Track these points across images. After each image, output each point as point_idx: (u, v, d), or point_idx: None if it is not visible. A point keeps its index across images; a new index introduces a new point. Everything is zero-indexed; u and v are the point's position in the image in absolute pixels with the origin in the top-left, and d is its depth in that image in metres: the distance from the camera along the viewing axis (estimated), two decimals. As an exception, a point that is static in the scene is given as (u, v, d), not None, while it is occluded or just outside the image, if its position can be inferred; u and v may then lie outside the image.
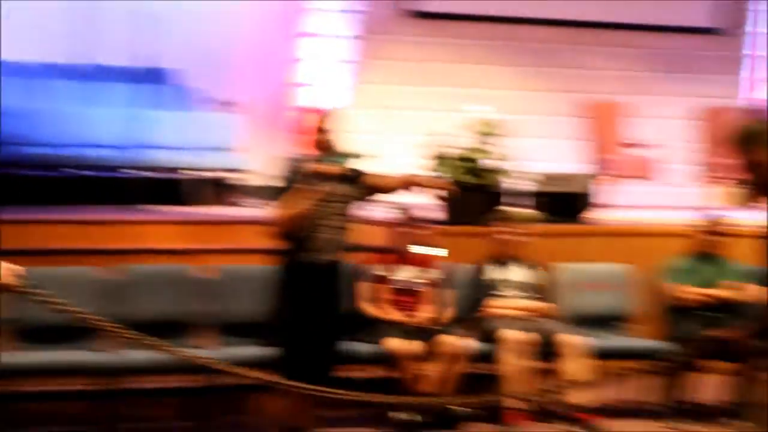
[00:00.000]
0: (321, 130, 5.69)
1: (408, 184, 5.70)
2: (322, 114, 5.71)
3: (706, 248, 6.83)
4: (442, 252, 7.03)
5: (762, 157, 3.47)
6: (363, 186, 5.55)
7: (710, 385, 6.86)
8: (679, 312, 6.71)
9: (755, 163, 3.43)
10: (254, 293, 6.24)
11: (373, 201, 5.62)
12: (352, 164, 5.26)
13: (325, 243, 5.52)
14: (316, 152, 5.65)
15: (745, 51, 12.66)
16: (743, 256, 7.10)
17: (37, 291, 3.84)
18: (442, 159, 7.53)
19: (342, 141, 5.82)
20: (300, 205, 5.43)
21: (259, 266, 6.24)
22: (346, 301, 6.42)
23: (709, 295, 6.70)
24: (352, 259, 6.18)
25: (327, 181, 5.48)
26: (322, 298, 5.46)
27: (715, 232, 6.83)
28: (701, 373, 6.55)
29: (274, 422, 5.84)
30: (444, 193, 4.74)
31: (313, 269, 5.50)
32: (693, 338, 6.38)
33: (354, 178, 5.37)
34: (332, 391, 4.05)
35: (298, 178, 5.44)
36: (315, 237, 5.48)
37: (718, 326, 6.53)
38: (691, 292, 6.71)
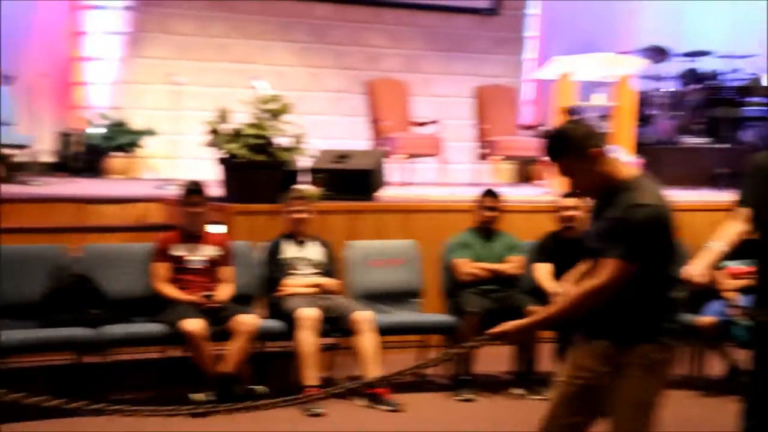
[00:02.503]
0: None
1: None
2: None
3: (485, 223, 7.06)
4: (223, 229, 7.02)
5: (570, 163, 3.61)
6: None
7: (497, 357, 7.14)
8: (461, 286, 6.92)
9: (565, 168, 3.63)
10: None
11: None
12: None
13: None
14: None
15: (525, 32, 13.14)
16: (518, 230, 7.43)
17: None
18: (228, 136, 7.51)
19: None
20: None
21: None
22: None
23: (487, 269, 6.95)
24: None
25: None
26: None
27: (492, 207, 7.06)
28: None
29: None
30: None
31: None
32: (475, 312, 6.60)
33: None
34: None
35: None
36: None
37: (497, 299, 6.80)
38: (471, 266, 6.94)
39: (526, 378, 6.74)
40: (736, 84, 12.40)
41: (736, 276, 6.57)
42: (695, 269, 4.15)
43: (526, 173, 11.81)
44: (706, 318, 6.80)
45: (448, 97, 12.28)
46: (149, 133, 10.85)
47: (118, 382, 5.95)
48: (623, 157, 8.67)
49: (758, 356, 4.40)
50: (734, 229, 4.28)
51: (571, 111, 3.40)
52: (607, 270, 3.53)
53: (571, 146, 3.59)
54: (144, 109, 11.15)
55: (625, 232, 3.52)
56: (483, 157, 10.80)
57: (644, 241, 3.51)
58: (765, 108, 12.31)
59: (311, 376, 6.22)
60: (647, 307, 3.60)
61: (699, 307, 6.86)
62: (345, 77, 12.15)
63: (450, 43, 12.65)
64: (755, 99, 12.20)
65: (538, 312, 3.83)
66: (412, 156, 10.52)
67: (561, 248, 6.76)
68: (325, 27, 12.19)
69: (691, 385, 6.94)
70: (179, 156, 10.00)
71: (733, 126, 12.05)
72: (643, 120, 11.89)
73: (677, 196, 9.42)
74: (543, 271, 6.87)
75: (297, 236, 6.79)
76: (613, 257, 3.52)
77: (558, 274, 6.70)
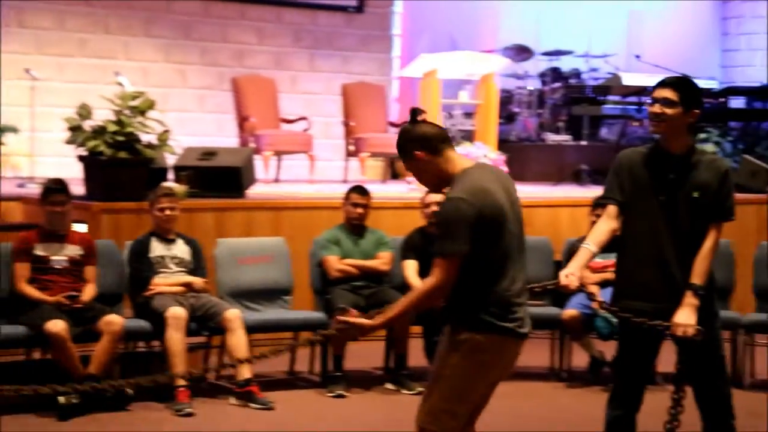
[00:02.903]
0: None
1: None
2: None
3: (354, 220, 7.08)
4: (83, 228, 6.87)
5: (408, 162, 3.74)
6: None
7: (368, 353, 7.19)
8: (331, 283, 6.94)
9: (408, 166, 3.75)
10: None
11: None
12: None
13: None
14: None
15: (392, 30, 13.20)
16: (388, 226, 7.48)
17: None
18: (90, 132, 7.35)
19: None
20: None
21: None
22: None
23: (357, 266, 6.98)
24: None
25: None
26: None
27: (360, 203, 7.09)
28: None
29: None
30: None
31: None
32: (345, 308, 6.60)
33: None
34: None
35: None
36: None
37: (366, 295, 6.84)
38: (341, 263, 6.95)
39: (397, 373, 6.79)
40: (595, 83, 12.76)
41: (596, 270, 6.74)
42: (568, 273, 4.18)
43: (394, 170, 11.90)
44: (569, 311, 6.95)
45: (317, 95, 12.29)
46: (10, 129, 10.53)
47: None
48: (479, 154, 8.83)
49: (621, 347, 4.52)
50: (605, 227, 4.34)
51: (416, 111, 3.43)
52: (435, 269, 3.57)
53: (405, 147, 3.70)
54: (2, 105, 10.81)
55: (438, 229, 3.62)
56: (351, 153, 10.84)
57: (451, 234, 3.53)
58: (623, 106, 12.70)
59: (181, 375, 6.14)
60: (463, 296, 3.61)
61: (563, 301, 7.02)
62: (211, 74, 12.03)
63: (317, 40, 12.64)
64: (614, 97, 12.57)
65: (381, 314, 3.72)
66: (280, 153, 10.50)
67: (428, 244, 6.82)
68: (190, 23, 12.04)
69: (556, 377, 7.11)
70: (40, 153, 9.74)
71: (594, 123, 12.38)
72: (507, 117, 12.13)
73: (541, 192, 9.69)
74: (409, 268, 6.93)
75: (165, 234, 6.69)
76: (437, 256, 3.57)
77: (425, 270, 6.77)
